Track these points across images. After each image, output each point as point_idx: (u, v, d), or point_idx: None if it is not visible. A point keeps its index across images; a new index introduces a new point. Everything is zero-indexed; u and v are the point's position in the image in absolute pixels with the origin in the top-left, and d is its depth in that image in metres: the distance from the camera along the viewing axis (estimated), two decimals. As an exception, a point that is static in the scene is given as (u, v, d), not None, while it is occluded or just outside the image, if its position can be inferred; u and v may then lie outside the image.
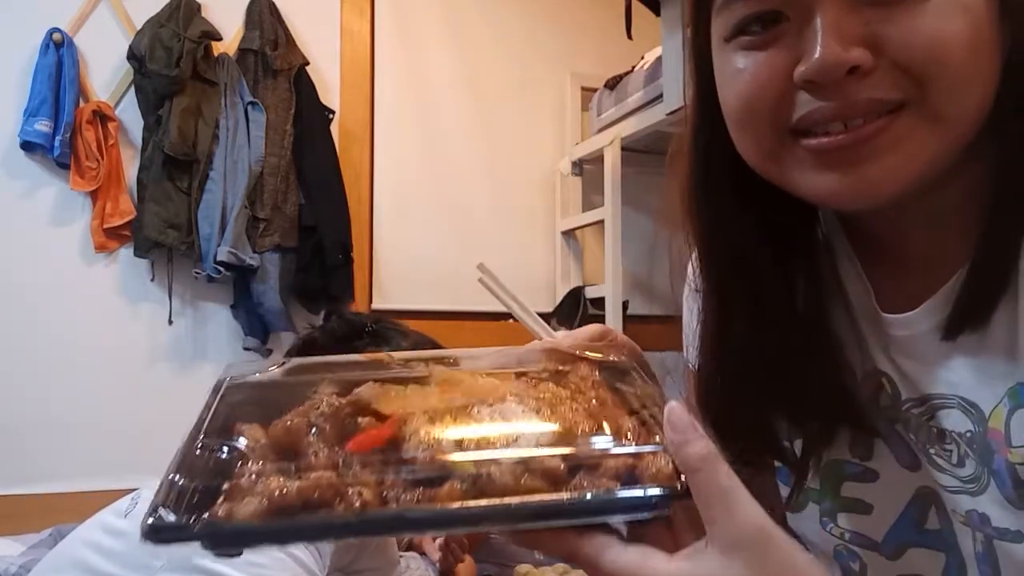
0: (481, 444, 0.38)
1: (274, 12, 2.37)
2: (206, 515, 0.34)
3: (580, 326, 2.27)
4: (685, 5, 1.97)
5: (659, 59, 2.21)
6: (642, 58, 2.45)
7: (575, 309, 2.57)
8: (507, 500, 0.35)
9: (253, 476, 0.36)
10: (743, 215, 0.51)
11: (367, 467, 0.36)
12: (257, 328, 2.28)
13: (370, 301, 2.52)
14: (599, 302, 2.52)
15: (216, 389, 0.45)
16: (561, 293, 2.68)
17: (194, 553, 0.87)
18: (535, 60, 2.81)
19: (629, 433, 0.39)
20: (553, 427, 0.39)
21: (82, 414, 2.18)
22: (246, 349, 2.31)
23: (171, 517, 0.34)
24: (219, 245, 2.14)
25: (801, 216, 0.53)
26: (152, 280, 2.25)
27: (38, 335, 2.16)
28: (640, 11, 2.15)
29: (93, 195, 2.19)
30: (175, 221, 2.16)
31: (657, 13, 2.13)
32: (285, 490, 0.34)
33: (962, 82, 0.41)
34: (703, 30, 0.48)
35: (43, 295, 2.17)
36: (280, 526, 0.34)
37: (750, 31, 0.44)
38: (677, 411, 0.37)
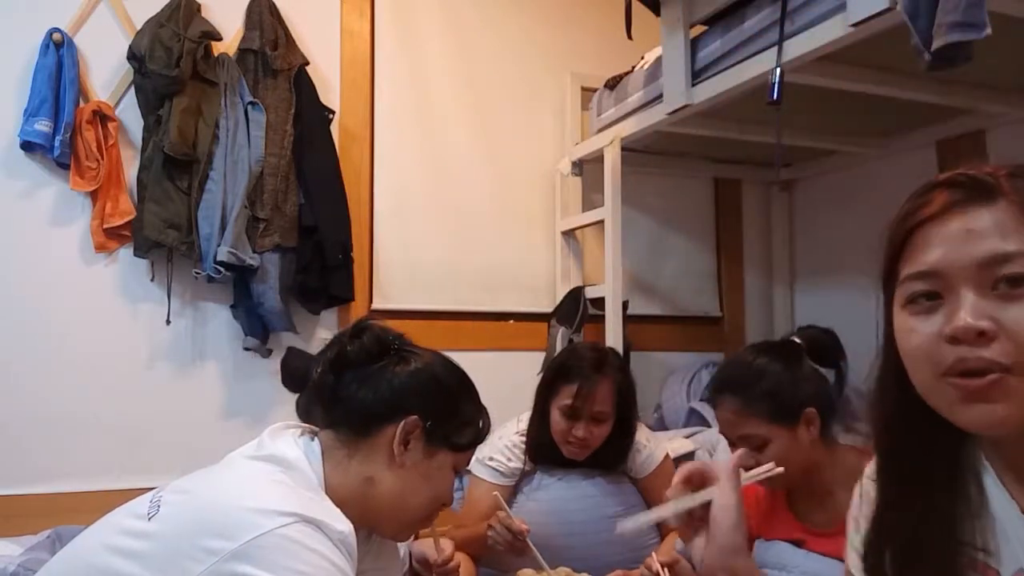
0: None
1: (274, 12, 2.37)
2: None
3: (580, 326, 2.26)
4: (684, 9, 1.91)
5: (659, 59, 2.21)
6: (642, 58, 2.45)
7: (575, 309, 2.57)
8: None
9: None
10: (913, 429, 0.71)
11: None
12: (257, 328, 2.28)
13: (370, 301, 2.52)
14: (599, 302, 2.52)
15: None
16: (561, 293, 2.67)
17: (235, 559, 0.87)
18: (535, 60, 2.81)
19: None
20: None
21: (81, 414, 2.18)
22: (246, 349, 2.31)
23: None
24: (219, 245, 2.14)
25: (950, 447, 0.71)
26: (152, 280, 2.25)
27: (37, 335, 2.16)
28: (640, 11, 2.15)
29: (93, 195, 2.19)
30: (175, 221, 2.16)
31: (657, 13, 2.13)
32: None
33: None
34: (888, 296, 0.71)
35: (43, 295, 2.17)
36: None
37: (919, 302, 0.66)
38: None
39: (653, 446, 1.90)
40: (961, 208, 0.65)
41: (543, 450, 1.82)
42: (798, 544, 1.44)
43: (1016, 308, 0.61)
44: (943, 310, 0.64)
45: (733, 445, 1.43)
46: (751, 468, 1.19)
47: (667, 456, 1.91)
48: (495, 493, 1.69)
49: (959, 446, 0.71)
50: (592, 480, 1.83)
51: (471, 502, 1.82)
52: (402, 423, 1.06)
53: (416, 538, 1.55)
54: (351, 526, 0.95)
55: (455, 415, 1.13)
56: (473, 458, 1.75)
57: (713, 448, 2.09)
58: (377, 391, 1.08)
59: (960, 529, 0.69)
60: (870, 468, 0.79)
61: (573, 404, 1.73)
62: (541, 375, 1.90)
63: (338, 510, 0.96)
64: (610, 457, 1.83)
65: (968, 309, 0.62)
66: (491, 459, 1.82)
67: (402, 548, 1.44)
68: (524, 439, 1.85)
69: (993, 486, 0.70)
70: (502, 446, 1.84)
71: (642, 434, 1.89)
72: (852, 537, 0.80)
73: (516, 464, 1.83)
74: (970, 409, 0.63)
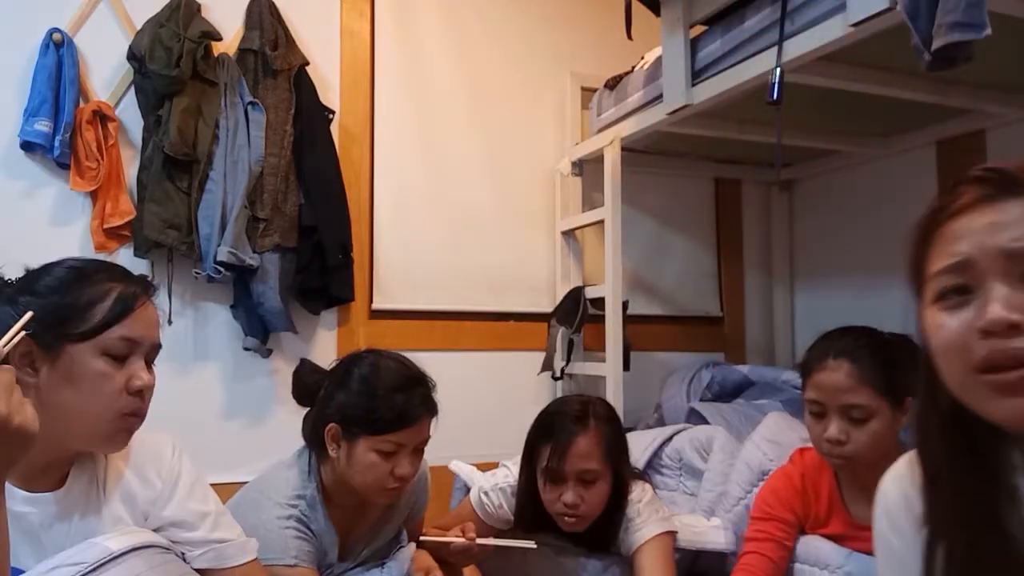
0: None
1: (274, 12, 2.37)
2: None
3: (580, 326, 2.27)
4: (684, 9, 1.92)
5: (659, 59, 2.21)
6: (642, 58, 2.46)
7: (575, 309, 2.57)
8: None
9: None
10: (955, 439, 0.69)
11: None
12: (257, 328, 2.28)
13: (370, 301, 2.53)
14: (599, 302, 2.52)
15: None
16: (561, 293, 2.68)
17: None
18: (535, 60, 2.81)
19: None
20: None
21: (82, 414, 2.18)
22: (246, 349, 2.31)
23: None
24: (219, 245, 2.14)
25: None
26: (152, 280, 2.24)
27: (38, 335, 2.16)
28: (640, 11, 2.15)
29: (93, 195, 2.19)
30: (175, 221, 2.16)
31: (657, 13, 2.13)
32: None
33: None
34: (918, 297, 0.70)
35: (43, 295, 2.17)
36: None
37: (948, 297, 0.65)
38: None
39: (646, 517, 1.59)
40: (989, 202, 0.64)
41: (537, 521, 1.62)
42: (840, 540, 1.42)
43: None
44: (974, 304, 0.63)
45: (822, 416, 1.38)
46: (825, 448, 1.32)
47: (665, 535, 1.58)
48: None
49: (1006, 452, 0.69)
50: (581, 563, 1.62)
51: (454, 515, 1.79)
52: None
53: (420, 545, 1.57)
54: None
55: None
56: (479, 485, 1.74)
57: (702, 446, 2.03)
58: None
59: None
60: (894, 473, 0.78)
61: (550, 466, 1.53)
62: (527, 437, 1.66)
63: None
64: (604, 527, 1.58)
65: (1000, 301, 0.61)
66: (486, 494, 1.71)
67: (405, 563, 1.48)
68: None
69: None
70: (499, 488, 1.70)
71: (637, 505, 1.61)
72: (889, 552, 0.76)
73: (506, 515, 1.68)
74: (1003, 403, 0.61)
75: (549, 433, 1.57)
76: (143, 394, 1.02)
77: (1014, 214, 0.62)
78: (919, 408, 0.73)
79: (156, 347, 1.07)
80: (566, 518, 1.54)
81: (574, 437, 1.53)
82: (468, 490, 1.84)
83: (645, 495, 1.63)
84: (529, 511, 1.63)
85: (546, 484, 1.56)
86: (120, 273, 1.08)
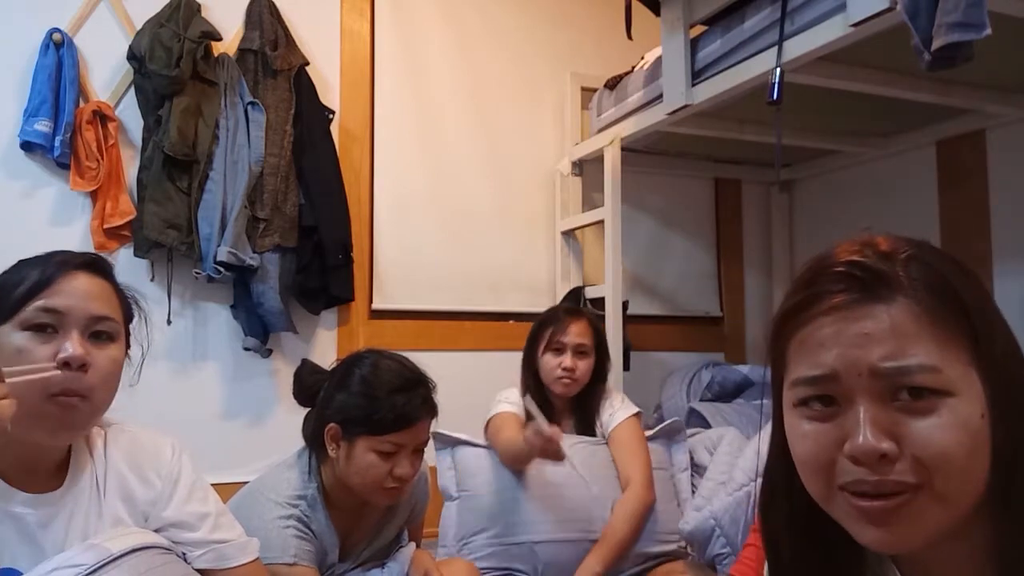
0: None
1: (274, 12, 2.37)
2: None
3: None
4: (684, 9, 1.94)
5: (659, 59, 2.21)
6: (642, 58, 2.46)
7: (575, 309, 2.57)
8: None
9: None
10: (802, 535, 0.67)
11: None
12: (257, 328, 2.28)
13: (370, 301, 2.53)
14: (599, 302, 2.52)
15: None
16: (561, 293, 2.68)
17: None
18: (535, 60, 2.81)
19: None
20: None
21: (82, 414, 2.18)
22: (246, 349, 2.31)
23: None
24: (219, 245, 2.14)
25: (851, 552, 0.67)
26: (152, 280, 2.25)
27: (38, 335, 2.16)
28: (640, 11, 2.15)
29: (93, 195, 2.19)
30: (175, 221, 2.16)
31: (657, 13, 2.13)
32: None
33: (960, 476, 0.56)
34: (778, 392, 0.66)
35: (43, 295, 2.17)
36: None
37: (812, 406, 0.60)
38: None
39: (626, 404, 1.96)
40: (858, 306, 0.59)
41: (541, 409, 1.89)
42: None
43: (921, 422, 0.56)
44: (839, 420, 0.59)
45: None
46: None
47: (637, 415, 1.95)
48: (527, 396, 1.82)
49: (863, 559, 0.67)
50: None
51: (497, 428, 1.90)
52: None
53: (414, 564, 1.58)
54: None
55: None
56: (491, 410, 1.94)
57: (714, 446, 2.07)
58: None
59: None
60: None
61: (556, 339, 1.87)
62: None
63: None
64: (587, 401, 1.93)
65: (871, 426, 0.56)
66: (507, 399, 1.92)
67: (405, 563, 1.48)
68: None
69: None
70: (506, 398, 1.93)
71: (617, 397, 1.98)
72: None
73: (521, 405, 1.90)
74: (867, 529, 0.58)
75: (554, 318, 1.93)
76: (83, 368, 0.94)
77: (883, 324, 0.58)
78: (766, 497, 0.70)
79: (96, 319, 0.98)
80: (564, 380, 1.87)
81: (572, 320, 1.91)
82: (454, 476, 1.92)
83: (619, 393, 2.04)
84: (539, 402, 1.86)
85: (550, 356, 1.88)
86: (63, 253, 1.00)
